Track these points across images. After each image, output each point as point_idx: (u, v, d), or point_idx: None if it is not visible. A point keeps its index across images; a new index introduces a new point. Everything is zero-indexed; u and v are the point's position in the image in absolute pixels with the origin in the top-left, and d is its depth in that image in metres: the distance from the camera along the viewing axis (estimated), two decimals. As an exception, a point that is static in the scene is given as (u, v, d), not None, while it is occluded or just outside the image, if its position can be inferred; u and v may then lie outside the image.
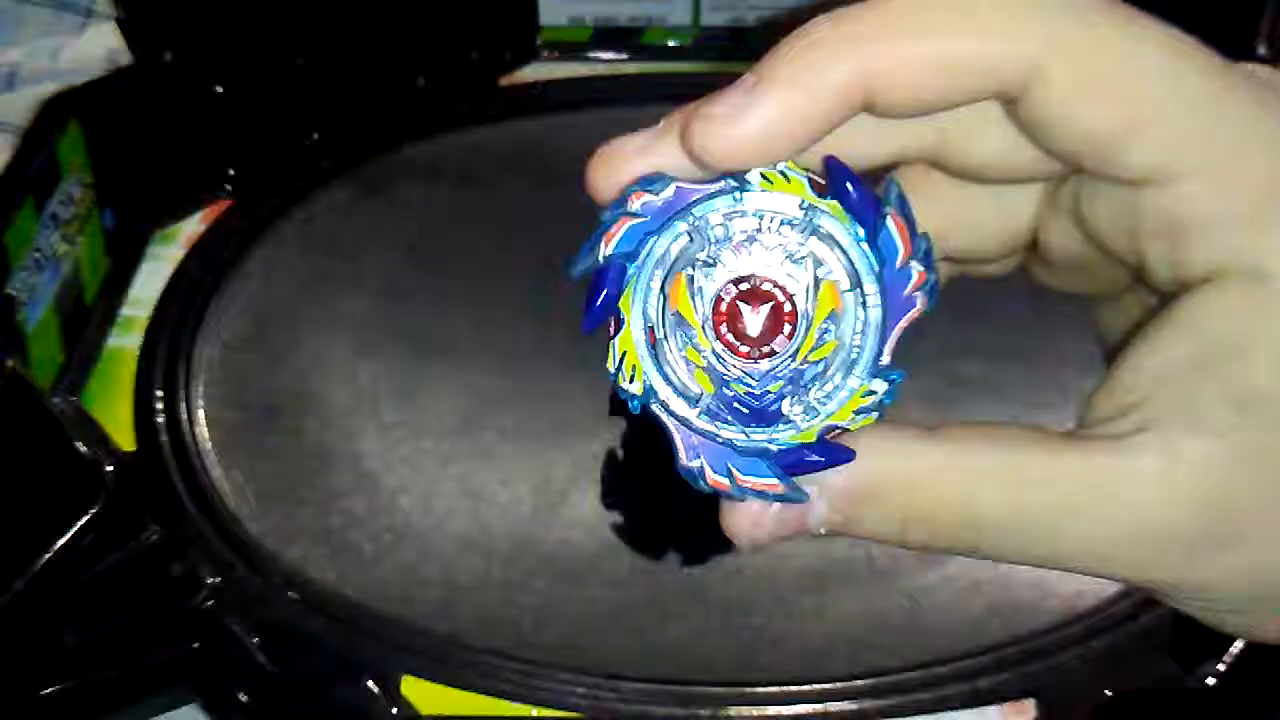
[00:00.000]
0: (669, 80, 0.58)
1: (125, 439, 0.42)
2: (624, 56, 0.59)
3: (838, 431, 0.20)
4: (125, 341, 0.46)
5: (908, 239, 0.20)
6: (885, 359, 0.20)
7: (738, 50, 0.59)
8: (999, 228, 0.23)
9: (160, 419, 0.43)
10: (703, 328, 0.20)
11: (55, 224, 0.44)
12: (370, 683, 0.34)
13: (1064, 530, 0.20)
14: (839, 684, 0.35)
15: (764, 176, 0.20)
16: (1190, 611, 0.22)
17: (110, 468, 0.40)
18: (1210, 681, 0.33)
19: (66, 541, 0.38)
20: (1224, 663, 0.33)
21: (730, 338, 0.20)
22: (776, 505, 0.21)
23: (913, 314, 0.20)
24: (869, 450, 0.20)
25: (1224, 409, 0.19)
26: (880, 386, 0.20)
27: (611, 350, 0.20)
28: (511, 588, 0.38)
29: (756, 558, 0.39)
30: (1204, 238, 0.20)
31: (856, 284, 0.20)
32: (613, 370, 0.20)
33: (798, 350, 0.20)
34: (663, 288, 0.20)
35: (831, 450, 0.20)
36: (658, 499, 0.42)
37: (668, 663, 0.36)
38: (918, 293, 0.20)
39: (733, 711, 0.34)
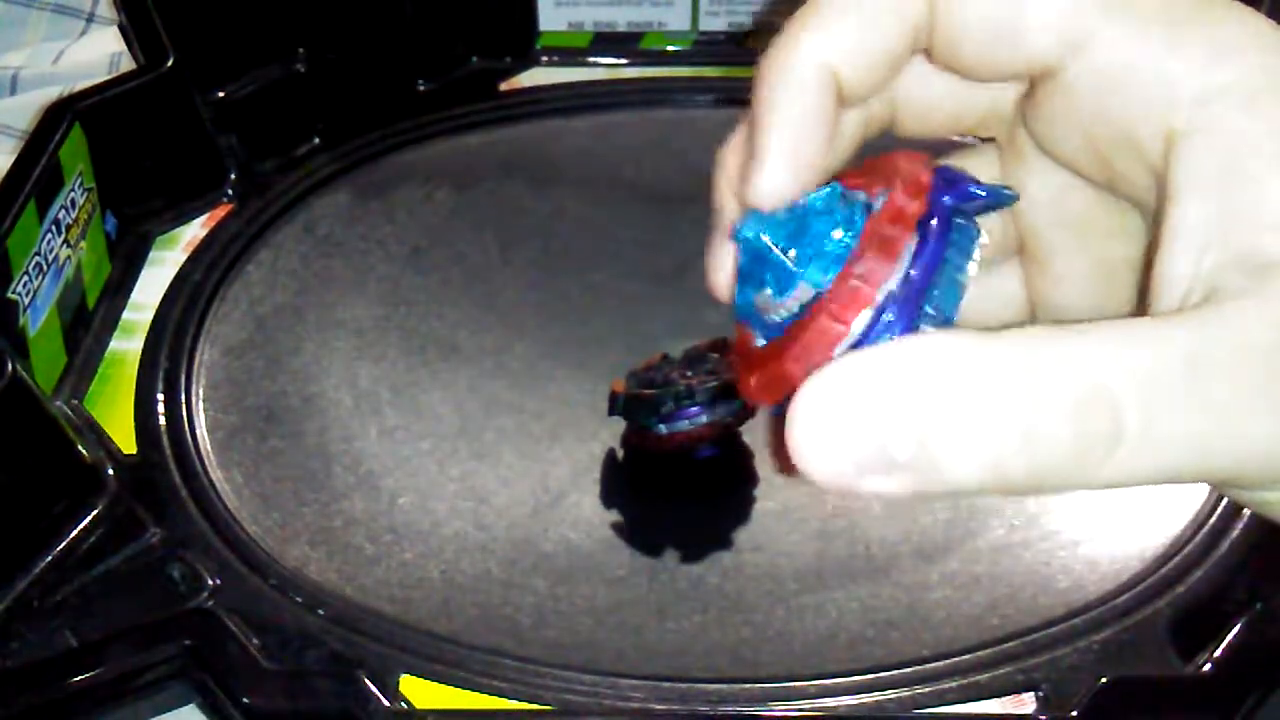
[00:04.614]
0: (668, 85, 0.58)
1: (126, 441, 0.42)
2: (623, 61, 0.60)
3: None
4: (127, 345, 0.46)
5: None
6: None
7: (737, 55, 0.59)
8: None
9: (161, 422, 0.43)
10: None
11: (57, 228, 0.44)
12: (369, 682, 0.34)
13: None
14: (838, 680, 0.35)
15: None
16: None
17: (111, 470, 0.40)
18: (1207, 669, 0.33)
19: (68, 543, 0.38)
20: (1221, 650, 0.33)
21: None
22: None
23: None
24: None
25: (1276, 239, 0.17)
26: None
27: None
28: (511, 587, 0.38)
29: (755, 556, 0.39)
30: (1134, 101, 0.19)
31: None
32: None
33: None
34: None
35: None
36: (657, 499, 0.42)
37: (667, 660, 0.36)
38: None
39: (733, 708, 0.34)
